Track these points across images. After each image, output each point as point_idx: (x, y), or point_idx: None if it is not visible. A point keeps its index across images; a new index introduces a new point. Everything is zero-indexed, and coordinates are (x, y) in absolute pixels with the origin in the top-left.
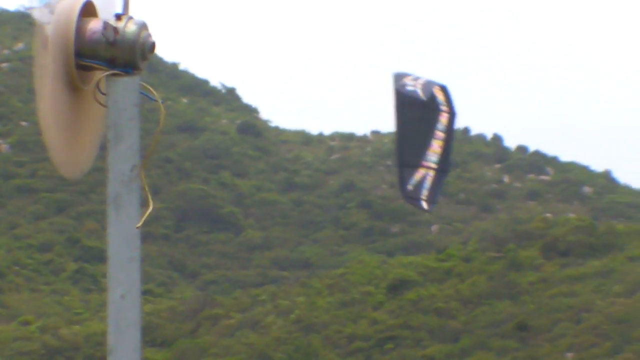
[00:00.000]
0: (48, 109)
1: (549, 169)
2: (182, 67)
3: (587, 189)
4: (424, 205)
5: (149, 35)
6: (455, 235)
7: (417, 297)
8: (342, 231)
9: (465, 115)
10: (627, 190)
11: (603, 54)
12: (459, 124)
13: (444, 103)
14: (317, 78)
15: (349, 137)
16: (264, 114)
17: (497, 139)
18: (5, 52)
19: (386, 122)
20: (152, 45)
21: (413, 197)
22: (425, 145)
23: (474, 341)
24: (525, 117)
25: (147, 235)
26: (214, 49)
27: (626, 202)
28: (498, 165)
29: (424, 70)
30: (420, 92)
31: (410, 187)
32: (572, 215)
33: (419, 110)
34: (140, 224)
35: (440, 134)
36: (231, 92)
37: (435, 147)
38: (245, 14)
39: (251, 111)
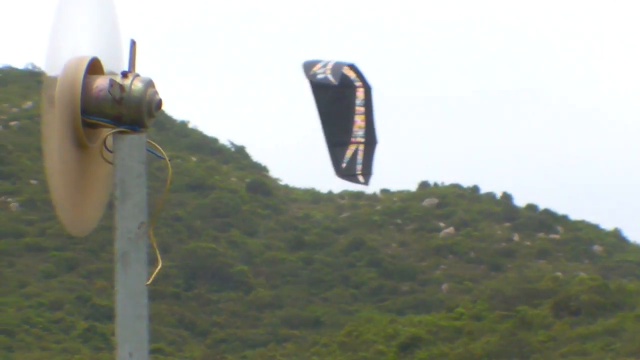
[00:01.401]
0: (55, 167)
1: (559, 228)
2: (191, 125)
3: (597, 248)
4: (360, 179)
5: (156, 93)
6: (465, 293)
7: (429, 355)
8: (352, 289)
9: (474, 173)
10: (637, 248)
11: (612, 111)
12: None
13: (357, 79)
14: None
15: (358, 196)
16: (273, 173)
17: (506, 197)
18: (14, 110)
19: (396, 181)
20: (159, 103)
21: (348, 174)
22: (348, 122)
23: None
24: (535, 176)
25: (156, 294)
26: (223, 107)
27: (636, 261)
28: (508, 224)
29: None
30: (331, 78)
31: (343, 164)
32: (583, 274)
33: (334, 91)
34: (149, 281)
35: (360, 109)
36: (240, 150)
37: (359, 122)
38: (254, 73)
39: (260, 169)
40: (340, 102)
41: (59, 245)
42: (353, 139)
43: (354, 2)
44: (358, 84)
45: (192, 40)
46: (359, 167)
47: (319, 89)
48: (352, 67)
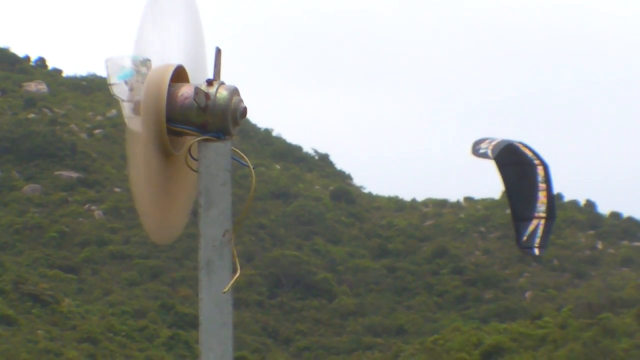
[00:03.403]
0: (140, 175)
1: None
2: (275, 133)
3: None
4: (536, 251)
5: (241, 101)
6: (548, 301)
7: None
8: (435, 297)
9: (558, 182)
10: None
11: None
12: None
13: (534, 157)
14: (410, 145)
15: (442, 204)
16: (357, 181)
17: (590, 205)
18: (99, 118)
19: (479, 188)
20: (244, 111)
21: (527, 246)
22: (533, 198)
23: None
24: (619, 183)
25: (240, 302)
26: (307, 115)
27: None
28: (591, 232)
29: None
30: (490, 153)
31: (525, 238)
32: None
33: (518, 168)
34: (227, 288)
35: (542, 186)
36: (324, 158)
37: (542, 197)
38: (338, 82)
39: (344, 177)
40: (525, 179)
41: (143, 253)
42: (536, 214)
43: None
44: (537, 162)
45: (276, 47)
46: (537, 240)
47: (503, 166)
48: (524, 144)
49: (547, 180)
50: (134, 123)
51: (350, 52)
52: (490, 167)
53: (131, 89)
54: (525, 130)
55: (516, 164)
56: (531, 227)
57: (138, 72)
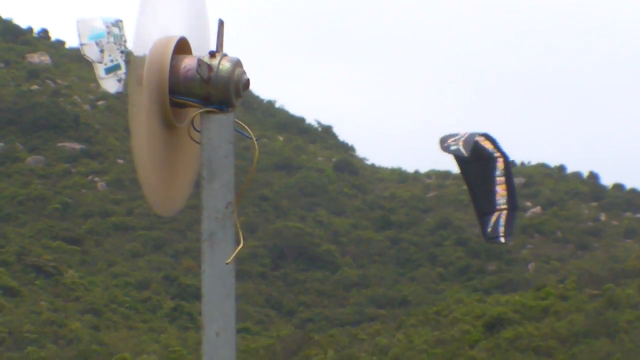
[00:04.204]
0: (143, 146)
1: None
2: (278, 104)
3: None
4: (502, 240)
5: (243, 73)
6: (552, 273)
7: (515, 335)
8: (438, 269)
9: (560, 153)
10: None
11: None
12: (555, 161)
13: (494, 150)
14: (413, 116)
15: (445, 175)
16: (360, 152)
17: (593, 176)
18: (102, 89)
19: None
20: (247, 83)
21: (492, 237)
22: (492, 192)
23: None
24: (622, 154)
25: (243, 273)
26: (310, 86)
27: None
28: (594, 203)
29: (506, 106)
30: (463, 150)
31: (489, 229)
32: None
33: (478, 164)
34: (230, 260)
35: (501, 179)
36: (327, 130)
37: (500, 191)
38: (341, 53)
39: (347, 149)
40: (484, 174)
41: (146, 225)
42: (497, 207)
43: None
44: (497, 154)
45: (278, 18)
46: (501, 229)
47: (464, 164)
48: (487, 136)
49: (507, 172)
50: (137, 95)
51: (354, 23)
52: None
53: (102, 50)
54: (529, 102)
55: (476, 160)
56: (493, 219)
57: (109, 33)
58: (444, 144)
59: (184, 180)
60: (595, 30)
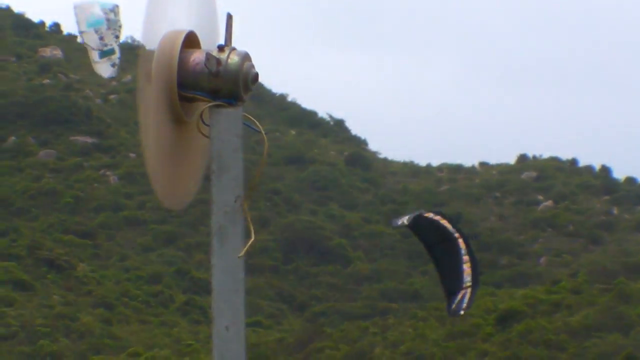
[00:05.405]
0: (152, 140)
1: None
2: (290, 98)
3: None
4: (462, 313)
5: (252, 66)
6: (563, 267)
7: (526, 329)
8: (445, 213)
9: (573, 147)
10: None
11: None
12: (567, 155)
13: (454, 230)
14: (426, 110)
15: (456, 169)
16: (372, 146)
17: (605, 170)
18: (113, 83)
19: (494, 154)
20: (255, 76)
21: (455, 312)
22: (459, 271)
23: None
24: (635, 148)
25: (255, 267)
26: (322, 80)
27: None
28: (606, 197)
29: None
30: (405, 221)
31: (453, 306)
32: None
33: (444, 246)
34: (242, 254)
35: (465, 258)
36: (339, 123)
37: (467, 269)
38: (352, 47)
39: (359, 143)
40: (450, 256)
41: (158, 219)
42: (464, 285)
43: None
44: (456, 235)
45: (289, 12)
46: (464, 305)
47: (435, 247)
48: (444, 215)
49: (469, 251)
50: (146, 89)
51: (365, 16)
52: (504, 133)
53: (101, 38)
54: (539, 94)
55: (442, 242)
56: (459, 297)
57: (107, 19)
58: (394, 220)
59: (193, 175)
60: (610, 24)
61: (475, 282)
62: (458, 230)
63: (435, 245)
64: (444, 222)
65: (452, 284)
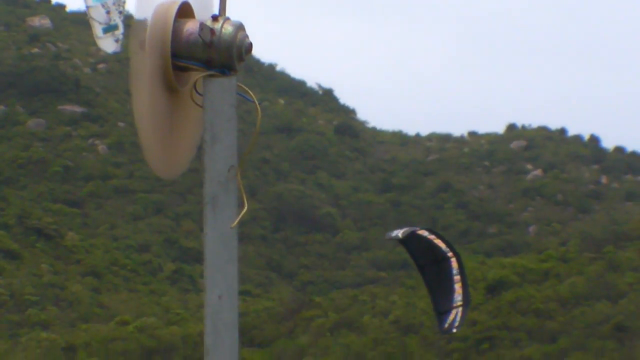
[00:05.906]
0: (145, 110)
1: None
2: (279, 68)
3: None
4: (455, 330)
5: (246, 36)
6: (552, 236)
7: (516, 298)
8: (439, 232)
9: (562, 116)
10: None
11: None
12: (557, 124)
13: (448, 249)
14: (414, 79)
15: (446, 138)
16: (361, 115)
17: (594, 139)
18: (102, 53)
19: (483, 123)
20: (249, 46)
21: (448, 330)
22: (450, 291)
23: (572, 342)
24: (623, 118)
25: (244, 236)
26: (311, 50)
27: None
28: (595, 166)
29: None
30: (400, 234)
31: (446, 325)
32: None
33: (437, 267)
34: (235, 223)
35: (457, 277)
36: (328, 93)
37: (457, 289)
38: (343, 16)
39: (348, 112)
40: (441, 275)
41: (146, 188)
42: (454, 305)
43: None
44: (450, 254)
45: None
46: (456, 324)
47: (427, 267)
48: (438, 235)
49: (461, 270)
50: (139, 58)
51: None
52: (495, 102)
53: (108, 12)
54: (528, 64)
55: (434, 262)
56: (451, 317)
57: None
58: (388, 233)
59: (186, 144)
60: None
61: (467, 301)
62: (452, 249)
63: (427, 266)
64: (438, 242)
65: (443, 303)
